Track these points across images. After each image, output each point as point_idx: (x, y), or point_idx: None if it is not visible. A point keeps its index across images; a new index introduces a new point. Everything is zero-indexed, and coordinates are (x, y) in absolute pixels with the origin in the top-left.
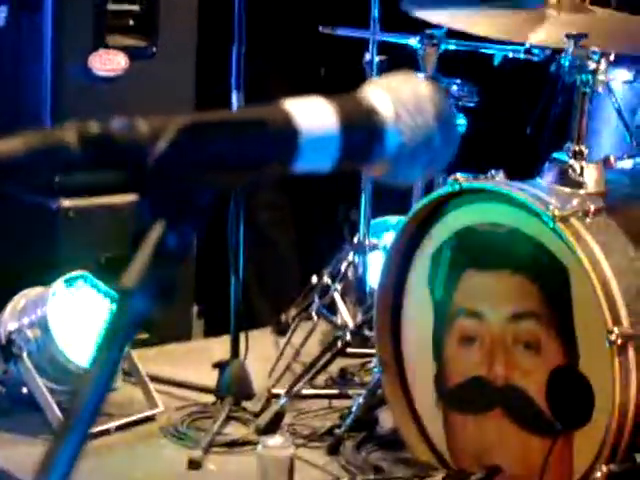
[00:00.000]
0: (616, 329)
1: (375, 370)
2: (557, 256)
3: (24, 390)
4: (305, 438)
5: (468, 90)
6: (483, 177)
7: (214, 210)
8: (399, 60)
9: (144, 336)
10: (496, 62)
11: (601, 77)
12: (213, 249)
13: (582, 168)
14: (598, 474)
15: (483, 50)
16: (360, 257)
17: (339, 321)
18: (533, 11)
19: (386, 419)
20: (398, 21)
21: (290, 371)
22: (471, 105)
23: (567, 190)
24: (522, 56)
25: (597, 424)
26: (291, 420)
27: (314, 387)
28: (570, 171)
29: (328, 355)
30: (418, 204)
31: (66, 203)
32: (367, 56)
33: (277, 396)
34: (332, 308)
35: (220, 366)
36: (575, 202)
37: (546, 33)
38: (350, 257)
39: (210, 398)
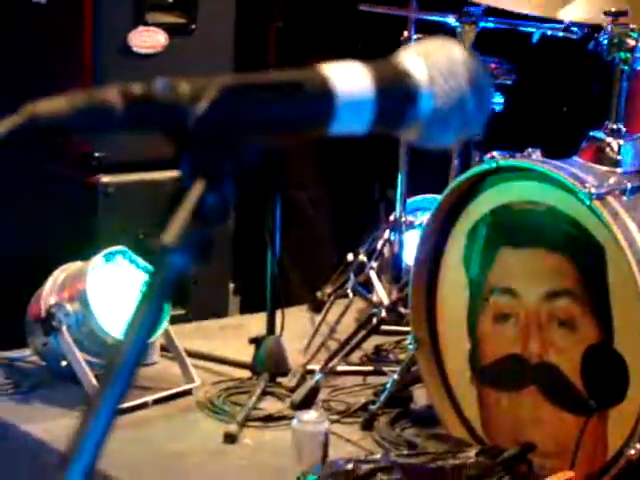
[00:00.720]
0: None
1: (410, 347)
2: (593, 234)
3: (63, 363)
4: (339, 414)
5: (505, 68)
6: (520, 155)
7: (252, 181)
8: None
9: (181, 312)
10: (534, 40)
11: None
12: (251, 227)
13: (619, 146)
14: (632, 451)
15: (521, 28)
16: (396, 235)
17: (374, 299)
18: None
19: (420, 396)
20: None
21: (325, 348)
22: (508, 83)
23: (604, 168)
24: (560, 34)
25: (631, 402)
26: (326, 396)
27: (349, 364)
28: (607, 149)
29: (363, 332)
30: (454, 182)
31: (106, 179)
32: (405, 34)
33: (312, 372)
34: (368, 286)
35: (256, 342)
36: (612, 180)
37: (584, 10)
38: (386, 235)
39: (246, 373)
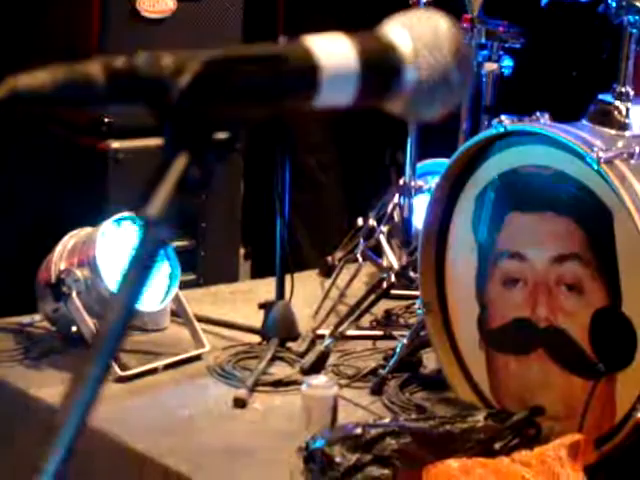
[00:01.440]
0: None
1: (419, 311)
2: (601, 198)
3: (73, 329)
4: (349, 378)
5: (514, 31)
6: (528, 119)
7: (260, 152)
8: (445, 1)
9: (192, 277)
10: (543, 3)
11: None
12: (261, 192)
13: (628, 110)
14: None
15: None
16: (406, 199)
17: (384, 263)
18: None
19: (430, 360)
20: None
21: (335, 312)
22: (517, 47)
23: (612, 132)
24: None
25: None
26: (335, 360)
27: (359, 328)
28: (615, 113)
29: (372, 296)
30: (462, 147)
31: (116, 145)
32: None
33: (322, 337)
34: (378, 250)
35: (265, 307)
36: (620, 144)
37: None
38: (396, 199)
39: (256, 338)
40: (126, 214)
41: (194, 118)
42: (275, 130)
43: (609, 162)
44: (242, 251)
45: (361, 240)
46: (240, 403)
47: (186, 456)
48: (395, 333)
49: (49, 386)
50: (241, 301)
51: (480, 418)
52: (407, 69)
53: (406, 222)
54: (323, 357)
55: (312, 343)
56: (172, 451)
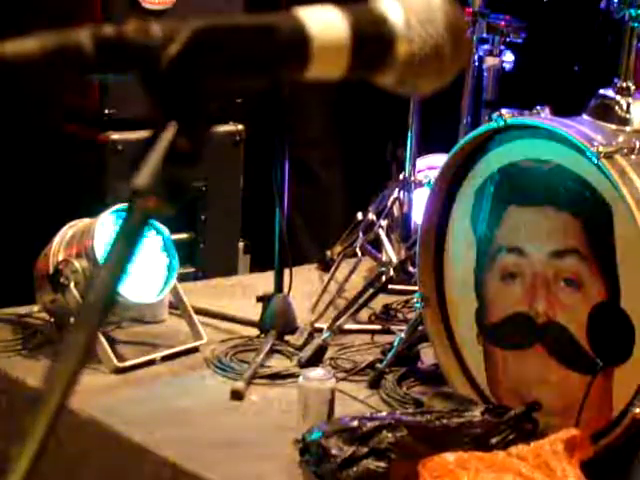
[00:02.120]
0: None
1: (417, 306)
2: (601, 193)
3: (71, 320)
4: (347, 372)
5: (516, 26)
6: (528, 113)
7: (259, 143)
8: None
9: (190, 270)
10: None
11: None
12: (260, 185)
13: (629, 104)
14: (637, 410)
15: None
16: (405, 194)
17: (383, 257)
18: None
19: (427, 354)
20: None
21: (334, 306)
22: (519, 41)
23: (613, 127)
24: None
25: (637, 361)
26: (333, 354)
27: (358, 322)
28: (616, 107)
29: (371, 290)
30: (462, 140)
31: (115, 136)
32: None
33: (320, 330)
34: (377, 245)
35: (264, 300)
36: (620, 139)
37: None
38: (395, 193)
39: (254, 331)
40: (125, 205)
41: (183, 87)
42: (273, 119)
43: (609, 157)
44: (241, 244)
45: (360, 234)
46: (237, 395)
47: (183, 448)
48: (393, 327)
49: None
50: (240, 294)
51: (477, 413)
52: (399, 41)
53: (405, 216)
54: (321, 350)
55: (310, 336)
56: (169, 443)
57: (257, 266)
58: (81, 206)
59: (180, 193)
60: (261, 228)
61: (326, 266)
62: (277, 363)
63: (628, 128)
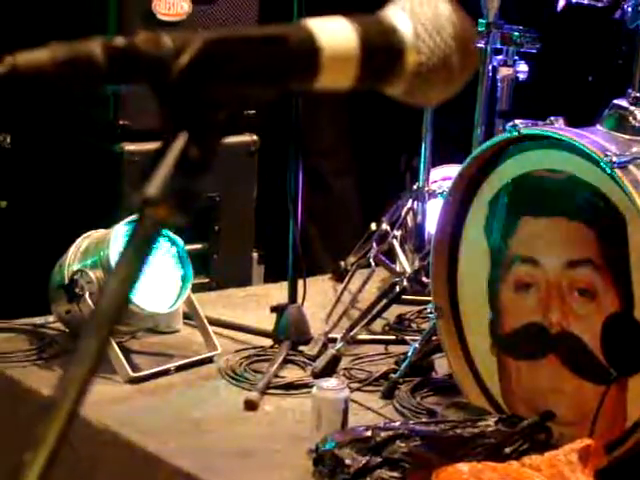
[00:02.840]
0: None
1: (431, 316)
2: (615, 203)
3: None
4: (360, 382)
5: (530, 36)
6: (542, 123)
7: (272, 152)
8: (461, 6)
9: (204, 281)
10: (559, 8)
11: None
12: (275, 196)
13: None
14: None
15: None
16: (419, 204)
17: (397, 268)
18: None
19: (441, 365)
20: None
21: (347, 316)
22: (533, 51)
23: (627, 137)
24: (585, 1)
25: None
26: (347, 364)
27: (371, 333)
28: (630, 118)
29: (384, 301)
30: (476, 151)
31: (130, 147)
32: None
33: (334, 340)
34: (391, 255)
35: (277, 310)
36: (634, 149)
37: None
38: (409, 204)
39: (268, 342)
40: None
41: (193, 98)
42: (288, 126)
43: (623, 167)
44: (255, 255)
45: (374, 245)
46: (251, 405)
47: (196, 458)
48: (407, 338)
49: None
50: (254, 304)
51: (491, 423)
52: (407, 52)
53: (419, 227)
54: (335, 361)
55: (324, 346)
56: (183, 452)
57: (271, 277)
58: (96, 217)
59: (191, 202)
60: (275, 238)
61: (340, 276)
62: (291, 373)
63: None
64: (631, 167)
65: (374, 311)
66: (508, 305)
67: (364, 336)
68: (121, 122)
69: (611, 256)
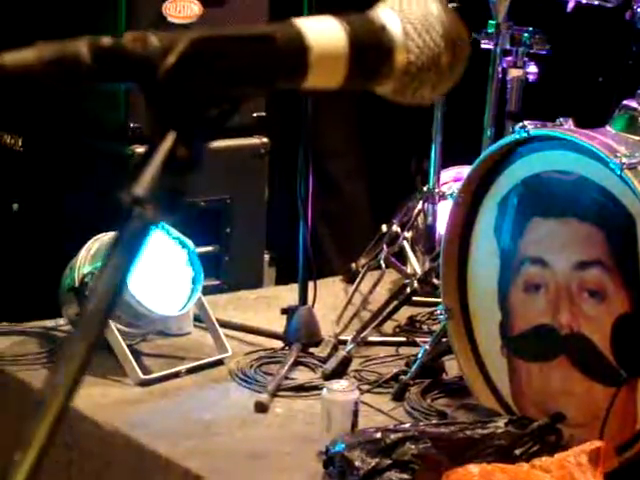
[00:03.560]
0: None
1: (441, 318)
2: (624, 204)
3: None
4: (371, 384)
5: (539, 37)
6: (551, 124)
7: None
8: (470, 7)
9: (216, 283)
10: (568, 9)
11: None
12: (286, 198)
13: None
14: None
15: None
16: (430, 206)
17: (408, 270)
18: None
19: (452, 366)
20: None
21: (358, 318)
22: (542, 52)
23: (636, 138)
24: (595, 2)
25: None
26: (358, 366)
27: (382, 334)
28: None
29: (395, 302)
30: (485, 152)
31: (141, 150)
32: None
33: (344, 342)
34: (402, 257)
35: (288, 312)
36: None
37: None
38: (420, 205)
39: (278, 344)
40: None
41: (181, 97)
42: (298, 128)
43: (633, 168)
44: (267, 257)
45: (384, 246)
46: (261, 407)
47: (207, 460)
48: (418, 339)
49: None
50: (264, 306)
51: (501, 424)
52: (397, 51)
53: (430, 228)
54: (345, 362)
55: (334, 348)
56: (193, 454)
57: (283, 279)
58: (107, 219)
59: (179, 202)
60: (286, 241)
61: (351, 278)
62: (301, 375)
63: None
64: None
65: (385, 313)
66: (518, 306)
67: (375, 338)
68: (132, 125)
69: (621, 257)
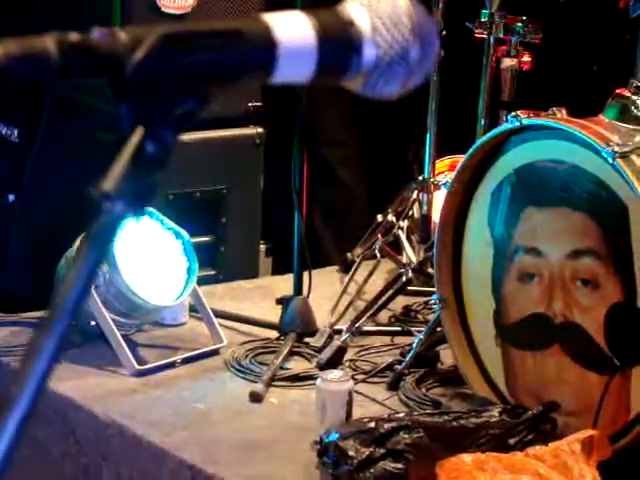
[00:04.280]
0: None
1: (435, 307)
2: (617, 193)
3: (92, 323)
4: (366, 374)
5: (533, 26)
6: (544, 114)
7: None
8: None
9: (211, 273)
10: None
11: None
12: (282, 187)
13: None
14: None
15: None
16: (425, 195)
17: (403, 259)
18: None
19: (447, 355)
20: None
21: (353, 308)
22: (536, 42)
23: (629, 127)
24: None
25: None
26: (353, 356)
27: (378, 324)
28: (632, 107)
29: (390, 292)
30: (478, 141)
31: None
32: None
33: (339, 332)
34: (397, 246)
35: (283, 302)
36: (637, 138)
37: None
38: (415, 195)
39: (273, 334)
40: (145, 209)
41: (149, 93)
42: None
43: (625, 157)
44: (263, 247)
45: (379, 236)
46: (256, 397)
47: (202, 450)
48: (413, 329)
49: (67, 379)
50: (260, 296)
51: (495, 413)
52: (365, 46)
53: (425, 218)
54: (340, 352)
55: (329, 338)
56: (188, 444)
57: (280, 269)
58: None
59: (148, 197)
60: (283, 231)
61: (347, 268)
62: (296, 365)
63: None
64: (633, 157)
65: (380, 302)
66: (512, 296)
67: (370, 327)
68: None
69: (614, 246)
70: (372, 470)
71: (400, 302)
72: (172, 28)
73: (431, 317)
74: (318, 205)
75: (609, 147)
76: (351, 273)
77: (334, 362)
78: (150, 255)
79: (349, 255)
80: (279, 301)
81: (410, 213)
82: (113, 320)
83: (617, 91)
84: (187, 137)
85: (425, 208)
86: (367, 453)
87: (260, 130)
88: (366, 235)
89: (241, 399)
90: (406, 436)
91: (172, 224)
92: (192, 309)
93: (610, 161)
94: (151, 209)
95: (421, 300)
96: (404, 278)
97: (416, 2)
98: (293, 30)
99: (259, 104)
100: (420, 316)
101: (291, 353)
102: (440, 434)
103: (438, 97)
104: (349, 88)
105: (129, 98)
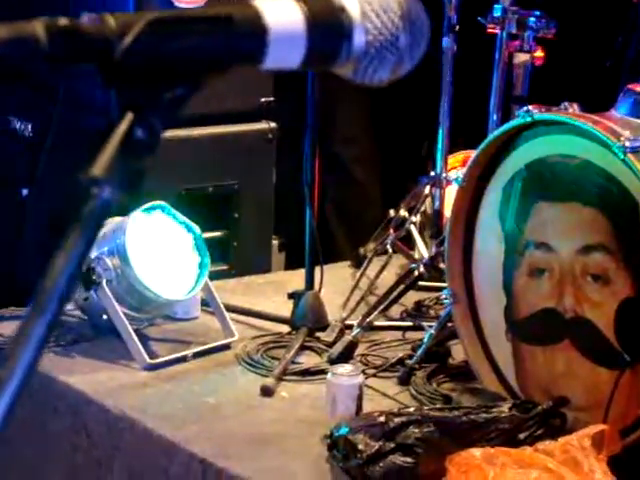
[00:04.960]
0: None
1: (446, 302)
2: (628, 188)
3: (104, 317)
4: (377, 368)
5: (546, 21)
6: (555, 109)
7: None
8: None
9: (223, 267)
10: None
11: None
12: (295, 182)
13: None
14: None
15: None
16: (437, 190)
17: (415, 254)
18: None
19: (458, 351)
20: None
21: (365, 303)
22: (549, 37)
23: None
24: None
25: None
26: (364, 351)
27: (389, 319)
28: None
29: (401, 287)
30: (490, 137)
31: None
32: None
33: (351, 327)
34: (409, 241)
35: (295, 297)
36: None
37: None
38: (427, 190)
39: (285, 328)
40: (156, 203)
41: (138, 78)
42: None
43: (636, 152)
44: (276, 242)
45: (391, 231)
46: (267, 391)
47: (213, 443)
48: (425, 324)
49: (79, 373)
50: (272, 291)
51: (505, 408)
52: (355, 31)
53: (437, 213)
54: (351, 347)
55: (341, 333)
56: (199, 438)
57: (293, 264)
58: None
59: (136, 183)
60: (295, 226)
61: (359, 263)
62: (307, 360)
63: None
64: None
65: (391, 297)
66: (522, 291)
67: (381, 322)
68: None
69: (624, 241)
70: (382, 464)
71: (412, 297)
72: (161, 14)
73: (443, 312)
74: (332, 202)
75: (620, 142)
76: (363, 268)
77: (345, 357)
78: (162, 249)
79: (361, 250)
80: (291, 296)
81: (422, 208)
82: (125, 314)
83: (629, 86)
84: (199, 132)
85: (437, 203)
86: (377, 447)
87: (273, 125)
88: (378, 230)
89: (252, 393)
90: (416, 430)
91: (184, 218)
92: (204, 303)
93: (621, 156)
94: (163, 203)
95: (433, 295)
96: (416, 273)
97: None
98: (283, 16)
99: (271, 99)
100: (432, 311)
101: (302, 348)
102: (450, 428)
103: (451, 92)
104: (340, 74)
105: (118, 83)
